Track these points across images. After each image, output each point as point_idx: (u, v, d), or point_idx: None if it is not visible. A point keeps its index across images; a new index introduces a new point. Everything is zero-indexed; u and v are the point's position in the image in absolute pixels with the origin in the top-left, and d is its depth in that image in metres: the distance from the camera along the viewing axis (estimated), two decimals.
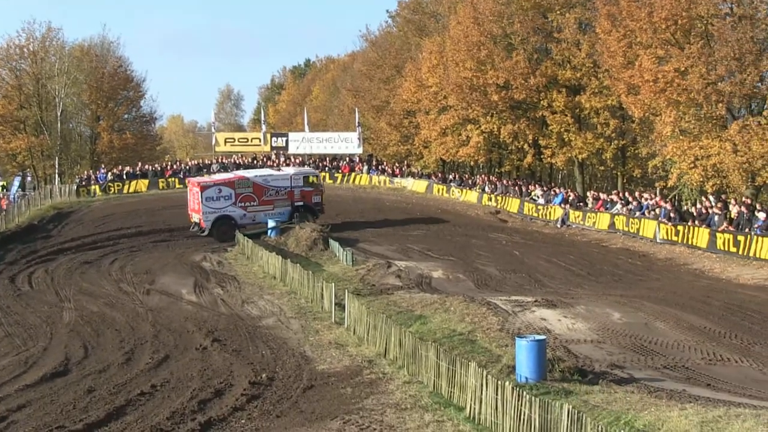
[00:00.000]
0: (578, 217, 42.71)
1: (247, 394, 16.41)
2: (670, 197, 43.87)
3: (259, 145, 72.54)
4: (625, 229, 38.60)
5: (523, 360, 15.46)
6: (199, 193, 41.53)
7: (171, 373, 18.47)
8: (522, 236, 40.82)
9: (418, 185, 60.33)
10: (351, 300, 22.31)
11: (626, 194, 43.10)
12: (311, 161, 68.19)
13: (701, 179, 37.50)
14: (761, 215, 31.32)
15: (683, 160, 37.79)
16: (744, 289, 26.66)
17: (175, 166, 69.31)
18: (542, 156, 54.15)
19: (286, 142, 71.43)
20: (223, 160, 68.12)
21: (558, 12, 50.29)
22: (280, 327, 23.36)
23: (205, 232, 41.58)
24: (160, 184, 63.51)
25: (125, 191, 62.26)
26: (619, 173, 53.86)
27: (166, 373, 18.50)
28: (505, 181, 54.47)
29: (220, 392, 16.71)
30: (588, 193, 46.83)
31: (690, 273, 30.64)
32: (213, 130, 79.35)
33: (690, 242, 34.06)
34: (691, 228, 34.23)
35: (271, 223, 41.36)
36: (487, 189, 53.58)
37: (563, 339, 19.32)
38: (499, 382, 13.25)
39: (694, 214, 35.60)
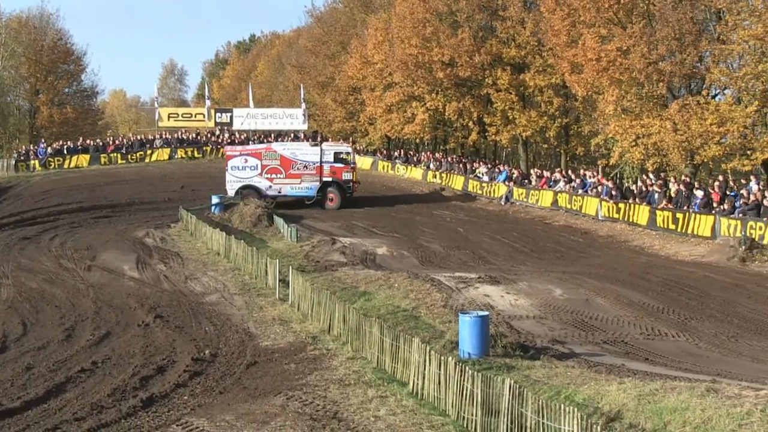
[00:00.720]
0: (522, 194, 43.08)
1: (189, 370, 16.27)
2: (611, 175, 44.52)
3: (203, 120, 71.73)
4: (568, 206, 39.06)
5: (466, 336, 15.55)
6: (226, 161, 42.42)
7: (112, 349, 18.23)
8: (466, 213, 41.09)
9: (362, 162, 60.23)
10: (295, 276, 22.25)
11: (569, 172, 43.60)
12: (256, 137, 67.66)
13: (642, 157, 38.13)
14: (699, 193, 31.92)
15: (625, 138, 38.34)
16: (682, 265, 27.16)
17: (117, 142, 68.31)
18: (487, 133, 54.51)
19: (231, 117, 70.72)
20: (167, 136, 67.29)
21: None
22: (223, 303, 23.22)
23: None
24: (102, 160, 62.62)
25: (66, 166, 61.27)
26: (562, 151, 54.48)
27: (108, 349, 18.25)
28: (449, 159, 54.74)
29: (163, 369, 16.54)
30: (532, 171, 47.28)
31: (630, 250, 31.14)
32: (156, 105, 78.16)
33: (631, 219, 34.59)
34: (632, 206, 34.75)
35: (215, 200, 41.06)
36: (431, 166, 53.76)
37: (506, 315, 19.49)
38: (442, 358, 13.33)
39: (635, 191, 36.14)
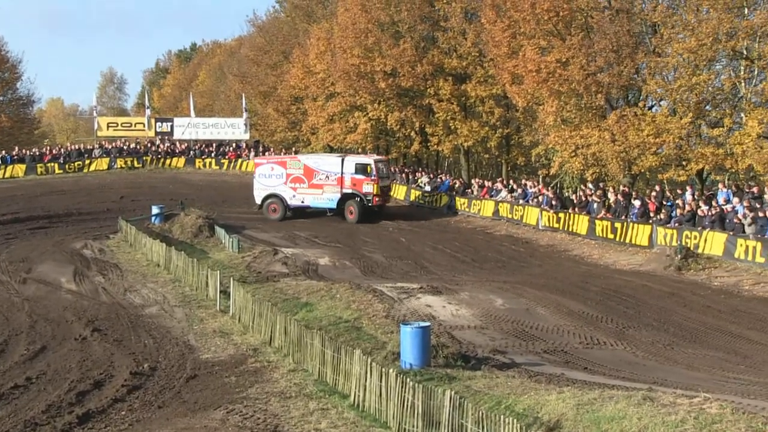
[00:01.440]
0: (464, 204, 43.32)
1: (128, 384, 16.03)
2: (552, 185, 45.01)
3: (143, 130, 71.01)
4: (509, 216, 39.39)
5: (408, 347, 15.57)
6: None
7: (48, 364, 17.87)
8: (408, 223, 41.17)
9: None
10: (236, 288, 22.09)
11: (510, 182, 43.96)
12: (197, 147, 67.08)
13: (582, 167, 38.61)
14: (636, 203, 32.47)
15: (565, 148, 38.82)
16: (620, 274, 27.57)
17: (54, 151, 67.09)
18: (429, 143, 54.73)
19: (171, 127, 70.05)
20: (106, 146, 66.34)
21: (444, 1, 50.66)
22: (163, 315, 22.93)
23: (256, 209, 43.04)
24: (39, 170, 61.41)
25: (1, 176, 59.93)
26: (503, 161, 54.94)
27: (43, 364, 17.89)
28: (392, 168, 54.78)
29: (100, 383, 16.28)
30: (473, 181, 47.57)
31: (570, 259, 31.52)
32: (95, 114, 77.00)
33: (570, 229, 35.02)
34: (572, 215, 35.19)
35: (155, 210, 40.58)
36: None
37: (447, 325, 19.58)
38: (383, 369, 13.33)
39: (575, 201, 36.61)
